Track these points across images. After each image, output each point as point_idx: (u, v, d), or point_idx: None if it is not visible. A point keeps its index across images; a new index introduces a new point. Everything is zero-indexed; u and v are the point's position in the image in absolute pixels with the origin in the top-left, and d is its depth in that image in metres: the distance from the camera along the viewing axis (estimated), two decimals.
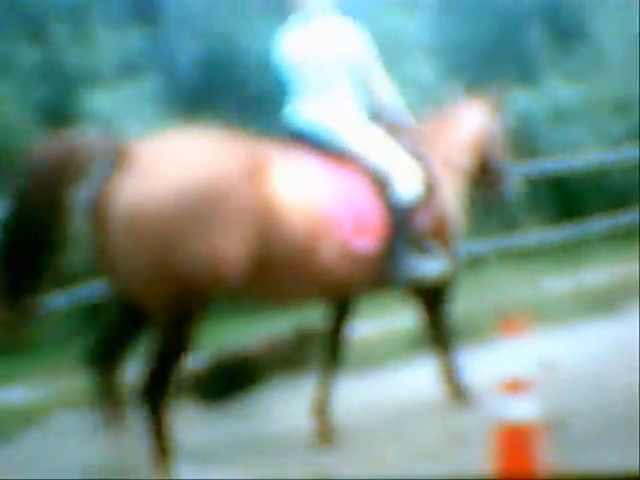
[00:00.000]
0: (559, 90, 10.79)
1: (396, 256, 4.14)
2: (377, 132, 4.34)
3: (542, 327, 5.54)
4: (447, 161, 4.73)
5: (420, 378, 5.09)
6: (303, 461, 4.06)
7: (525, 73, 10.57)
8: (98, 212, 3.43)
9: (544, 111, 10.58)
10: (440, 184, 4.48)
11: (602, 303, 6.81)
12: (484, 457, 3.23)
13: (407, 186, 4.21)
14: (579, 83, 10.76)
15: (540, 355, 4.85)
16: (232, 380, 5.42)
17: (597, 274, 7.53)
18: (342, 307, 4.61)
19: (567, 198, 9.81)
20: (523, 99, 9.72)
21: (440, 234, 4.44)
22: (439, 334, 4.84)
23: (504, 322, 3.23)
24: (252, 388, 5.41)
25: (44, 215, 3.41)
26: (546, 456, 3.15)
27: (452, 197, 4.65)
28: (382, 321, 6.26)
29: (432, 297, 4.76)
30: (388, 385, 5.36)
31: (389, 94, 4.44)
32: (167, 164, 3.48)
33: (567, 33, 11.45)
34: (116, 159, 3.45)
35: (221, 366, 5.50)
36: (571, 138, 10.19)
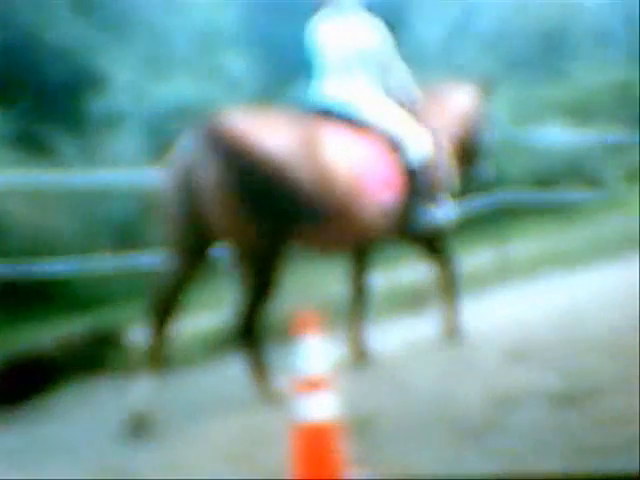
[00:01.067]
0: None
1: (413, 206, 5.15)
2: (392, 106, 5.26)
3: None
4: (444, 131, 5.58)
5: (223, 378, 5.05)
6: (99, 464, 3.96)
7: None
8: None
9: None
10: (442, 148, 5.46)
11: (412, 302, 7.07)
12: (285, 458, 3.19)
13: (418, 149, 5.18)
14: None
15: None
16: (25, 382, 5.24)
17: (410, 272, 7.77)
18: (363, 257, 5.53)
19: None
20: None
21: (444, 189, 5.44)
22: (447, 279, 5.65)
23: (298, 320, 3.22)
24: (47, 390, 5.24)
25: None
26: (349, 455, 3.15)
27: (450, 160, 5.56)
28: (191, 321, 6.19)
29: (435, 245, 5.58)
30: (191, 384, 5.32)
31: (403, 76, 5.42)
32: (253, 140, 4.42)
33: (392, 25, 11.80)
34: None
35: (13, 368, 5.30)
36: None
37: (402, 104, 5.37)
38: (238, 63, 10.11)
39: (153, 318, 4.54)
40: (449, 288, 5.66)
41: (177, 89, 10.17)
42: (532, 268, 8.19)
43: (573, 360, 4.77)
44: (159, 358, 4.55)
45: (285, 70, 10.01)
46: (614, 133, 11.56)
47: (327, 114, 5.06)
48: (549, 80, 14.24)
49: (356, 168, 4.84)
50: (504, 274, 8.15)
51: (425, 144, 5.24)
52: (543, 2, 16.10)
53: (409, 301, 7.22)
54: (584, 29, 17.62)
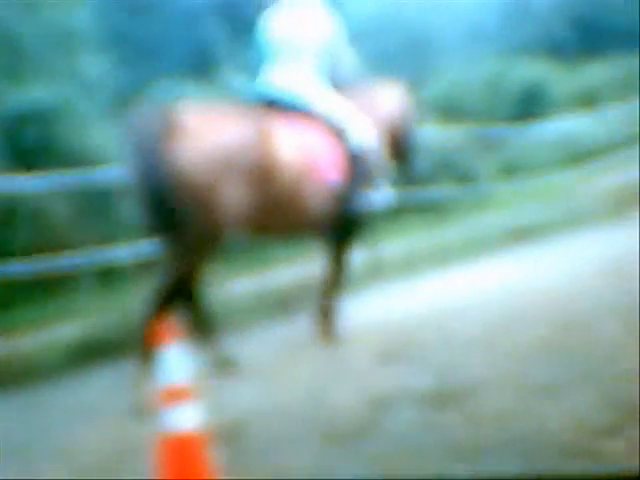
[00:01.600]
0: (236, 82, 11.04)
1: (354, 190, 5.48)
2: (336, 95, 5.58)
3: (228, 331, 5.60)
4: (377, 125, 5.83)
5: (88, 390, 4.89)
6: None
7: (204, 67, 10.71)
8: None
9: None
10: (379, 137, 5.77)
11: (284, 305, 7.04)
12: (152, 470, 3.07)
13: (360, 136, 5.52)
14: (255, 76, 11.12)
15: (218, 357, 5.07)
16: None
17: (282, 275, 7.75)
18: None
19: None
20: (197, 91, 9.86)
21: (382, 175, 5.77)
22: (337, 272, 5.78)
23: (158, 330, 3.11)
24: None
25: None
26: (218, 465, 3.05)
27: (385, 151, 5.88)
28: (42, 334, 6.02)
29: (347, 232, 5.73)
30: (55, 397, 5.14)
31: (350, 67, 5.78)
32: (205, 132, 4.76)
33: (245, 27, 11.75)
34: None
35: None
36: None
37: (349, 94, 5.72)
38: (95, 65, 9.89)
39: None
40: (335, 284, 5.79)
41: (31, 93, 9.88)
42: (406, 267, 8.26)
43: (448, 359, 4.79)
44: None
45: (143, 70, 9.87)
46: (486, 128, 11.80)
47: (275, 104, 5.38)
48: (418, 77, 14.42)
49: (304, 154, 5.19)
50: (377, 274, 8.17)
51: (366, 132, 5.59)
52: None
53: (279, 304, 7.14)
54: (452, 24, 17.96)
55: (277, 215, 5.17)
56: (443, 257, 8.59)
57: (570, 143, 14.08)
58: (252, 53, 5.70)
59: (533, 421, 3.55)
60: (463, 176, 11.94)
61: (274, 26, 5.55)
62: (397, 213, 9.86)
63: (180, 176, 4.66)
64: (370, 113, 5.81)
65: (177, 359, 3.03)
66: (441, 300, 6.62)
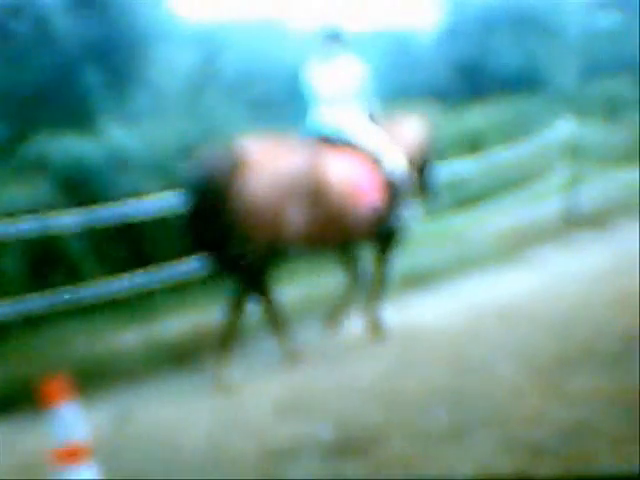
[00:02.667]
0: (118, 135, 10.91)
1: (390, 208, 6.78)
2: (373, 130, 6.88)
3: (113, 387, 5.48)
4: (404, 150, 7.14)
5: None
6: None
7: (80, 118, 10.55)
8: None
9: (103, 157, 10.63)
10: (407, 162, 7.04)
11: (178, 355, 6.97)
12: None
13: (394, 164, 6.83)
14: (138, 127, 11.01)
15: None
16: None
17: (172, 324, 7.65)
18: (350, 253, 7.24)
19: (134, 246, 9.90)
20: (79, 145, 9.71)
21: (411, 194, 7.04)
22: (381, 275, 7.17)
23: (48, 389, 3.02)
24: None
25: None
26: None
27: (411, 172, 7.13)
28: None
29: (387, 244, 7.06)
30: None
31: (375, 105, 7.06)
32: (266, 164, 6.03)
33: (123, 76, 11.69)
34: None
35: None
36: (134, 184, 10.32)
37: (379, 126, 7.00)
38: None
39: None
40: (379, 288, 7.19)
41: None
42: (302, 314, 8.23)
43: (347, 408, 4.79)
44: None
45: (21, 122, 9.71)
46: None
47: (324, 139, 6.68)
48: (297, 122, 14.54)
49: (348, 180, 6.47)
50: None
51: (398, 161, 6.90)
52: (286, 45, 16.47)
53: (171, 355, 7.06)
54: None
55: (327, 231, 6.40)
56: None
57: (457, 187, 14.35)
58: (301, 97, 7.06)
59: (437, 467, 3.59)
60: None
61: (318, 75, 6.94)
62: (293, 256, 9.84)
63: (246, 203, 5.89)
64: (397, 142, 7.08)
65: (72, 418, 2.96)
66: (335, 345, 6.63)
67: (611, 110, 17.69)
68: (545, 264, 8.55)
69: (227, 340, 6.20)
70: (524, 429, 4.12)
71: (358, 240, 6.96)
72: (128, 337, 7.53)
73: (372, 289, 7.15)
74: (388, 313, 7.40)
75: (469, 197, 13.99)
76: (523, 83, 20.16)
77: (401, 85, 19.98)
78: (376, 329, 6.97)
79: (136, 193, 9.74)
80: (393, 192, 6.80)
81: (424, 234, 12.31)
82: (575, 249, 9.06)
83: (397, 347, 6.25)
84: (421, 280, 8.80)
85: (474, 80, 22.21)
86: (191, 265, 9.43)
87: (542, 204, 11.50)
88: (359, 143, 6.73)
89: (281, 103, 14.38)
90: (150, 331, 7.54)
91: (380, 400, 4.87)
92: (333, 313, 7.30)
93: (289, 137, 6.64)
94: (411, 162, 7.19)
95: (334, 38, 7.01)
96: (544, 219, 10.62)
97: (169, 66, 11.86)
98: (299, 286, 8.28)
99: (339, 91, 6.78)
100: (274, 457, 4.13)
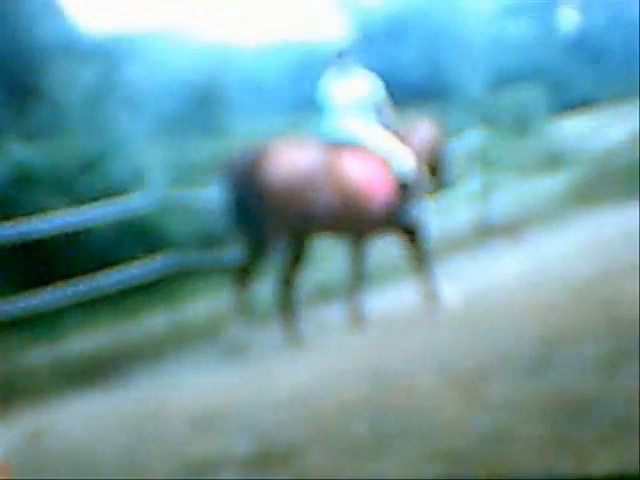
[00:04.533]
0: (19, 151, 10.78)
1: (401, 205, 7.77)
2: (385, 134, 7.89)
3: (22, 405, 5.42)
4: (418, 153, 8.13)
5: None
6: None
7: None
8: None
9: (4, 174, 10.48)
10: (419, 163, 8.06)
11: (86, 373, 6.93)
12: None
13: (404, 164, 7.84)
14: (39, 142, 10.91)
15: None
16: None
17: (79, 343, 7.59)
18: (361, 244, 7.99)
19: (38, 263, 9.79)
20: None
21: (422, 191, 8.08)
22: (420, 257, 8.00)
23: None
24: None
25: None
26: None
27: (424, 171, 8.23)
28: None
29: (413, 234, 7.95)
30: None
31: (390, 113, 8.10)
32: (293, 162, 7.20)
33: (23, 91, 11.56)
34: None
35: None
36: (37, 200, 10.20)
37: (392, 132, 7.97)
38: None
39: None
40: (421, 261, 8.02)
41: None
42: (214, 329, 8.27)
43: (267, 420, 4.82)
44: None
45: None
46: None
47: (341, 143, 7.67)
48: (206, 137, 14.57)
49: (364, 179, 7.53)
50: (180, 339, 8.15)
51: (407, 160, 7.89)
52: (193, 56, 16.46)
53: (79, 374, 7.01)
54: (238, 81, 18.19)
55: (344, 221, 7.47)
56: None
57: None
58: (318, 106, 8.01)
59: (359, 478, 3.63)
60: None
61: (335, 87, 7.93)
62: (197, 275, 9.92)
63: (275, 195, 7.08)
64: (411, 144, 8.09)
65: None
66: (250, 362, 6.67)
67: (520, 119, 18.15)
68: (458, 273, 8.72)
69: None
70: (445, 438, 4.20)
71: (371, 232, 7.92)
72: (35, 355, 7.46)
73: (422, 271, 8.02)
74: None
75: None
76: (431, 93, 20.51)
77: (308, 97, 20.09)
78: (433, 302, 7.85)
79: (40, 209, 9.65)
80: (403, 190, 7.80)
81: (332, 249, 12.43)
82: (488, 258, 9.27)
83: (314, 360, 6.31)
84: (331, 295, 8.88)
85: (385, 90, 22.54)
86: (97, 282, 9.38)
87: (453, 214, 11.74)
88: (371, 146, 7.80)
89: (187, 115, 14.35)
90: (57, 349, 7.47)
91: (299, 411, 4.92)
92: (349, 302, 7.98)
93: (310, 140, 7.70)
94: (424, 162, 8.29)
95: (347, 55, 8.21)
96: (455, 229, 10.85)
97: (70, 80, 11.78)
98: None
99: (352, 101, 7.86)
100: (191, 472, 4.14)
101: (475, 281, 8.44)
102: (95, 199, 10.21)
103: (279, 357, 6.80)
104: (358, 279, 7.98)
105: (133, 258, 10.06)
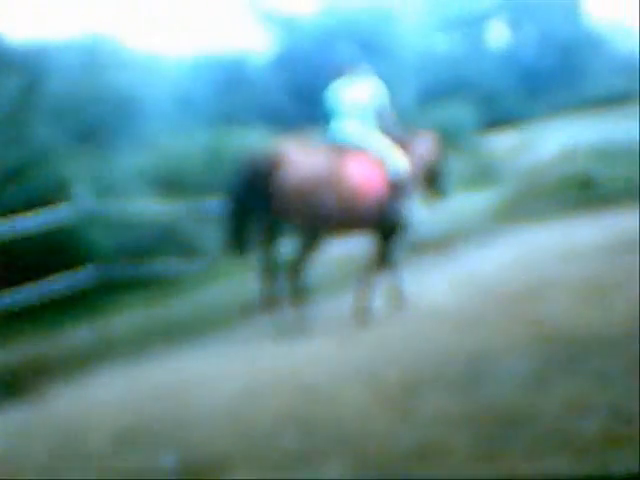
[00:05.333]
0: None
1: (393, 202, 8.30)
2: (382, 138, 8.47)
3: None
4: (414, 161, 8.79)
5: None
6: None
7: None
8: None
9: None
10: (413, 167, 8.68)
11: (6, 386, 6.86)
12: None
13: (397, 166, 8.37)
14: None
15: None
16: None
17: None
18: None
19: None
20: None
21: (412, 193, 8.70)
22: (386, 258, 8.51)
23: None
24: None
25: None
26: None
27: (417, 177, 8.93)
28: None
29: (389, 234, 8.48)
30: None
31: (392, 120, 8.70)
32: (299, 162, 7.88)
33: None
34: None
35: None
36: None
37: (391, 137, 8.56)
38: None
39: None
40: (379, 267, 8.47)
41: None
42: (134, 344, 8.22)
43: (191, 434, 4.82)
44: None
45: None
46: (208, 201, 12.05)
47: (343, 145, 8.28)
48: (131, 149, 14.52)
49: (363, 181, 8.10)
50: (103, 352, 8.08)
51: (400, 162, 8.45)
52: (118, 67, 16.41)
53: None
54: (165, 95, 18.15)
55: (345, 218, 8.04)
56: (173, 332, 8.65)
57: None
58: (324, 111, 8.55)
59: None
60: (188, 250, 12.09)
61: (341, 93, 8.50)
62: (122, 288, 9.89)
63: (286, 191, 7.76)
64: (410, 151, 8.69)
65: None
66: (177, 375, 6.65)
67: (449, 134, 18.37)
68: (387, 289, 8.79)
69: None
70: (374, 451, 4.24)
71: (364, 230, 8.51)
72: None
73: (371, 268, 8.50)
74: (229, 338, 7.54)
75: None
76: None
77: (235, 110, 20.12)
78: (397, 301, 8.36)
79: None
80: (394, 188, 8.36)
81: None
82: (417, 274, 9.35)
83: (244, 373, 6.30)
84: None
85: (311, 105, 22.58)
86: (20, 294, 9.28)
87: None
88: (370, 149, 8.40)
89: (112, 127, 14.27)
90: None
91: (225, 426, 4.93)
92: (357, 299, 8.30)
93: (317, 145, 8.38)
94: (422, 172, 9.03)
95: (353, 64, 8.94)
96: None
97: None
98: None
99: (356, 106, 8.48)
100: None
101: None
102: (18, 211, 10.14)
103: (204, 369, 6.79)
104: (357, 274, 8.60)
105: (57, 270, 9.99)
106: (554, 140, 18.39)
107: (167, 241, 12.23)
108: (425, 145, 9.20)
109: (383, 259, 8.56)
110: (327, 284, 9.55)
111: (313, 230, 7.98)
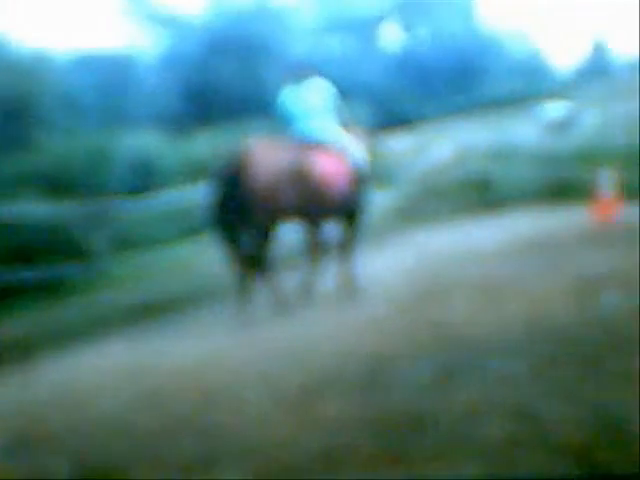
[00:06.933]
0: None
1: (357, 191, 8.99)
2: (342, 132, 9.04)
3: None
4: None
5: None
6: None
7: None
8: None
9: None
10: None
11: None
12: None
13: (356, 156, 9.03)
14: None
15: None
16: None
17: None
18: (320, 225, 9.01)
19: None
20: None
21: (370, 181, 9.56)
22: (352, 241, 9.15)
23: None
24: None
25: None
26: None
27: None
28: None
29: (352, 220, 9.17)
30: None
31: (345, 115, 9.30)
32: (266, 160, 8.38)
33: None
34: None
35: None
36: None
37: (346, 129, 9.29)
38: None
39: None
40: (351, 245, 9.16)
41: None
42: (22, 350, 8.08)
43: (86, 442, 4.74)
44: None
45: None
46: (97, 203, 11.92)
47: (308, 142, 8.80)
48: (15, 150, 14.29)
49: (327, 174, 8.65)
50: None
51: (360, 154, 9.19)
52: (3, 69, 16.16)
53: None
54: (49, 95, 17.91)
55: (311, 209, 8.61)
56: (63, 336, 8.53)
57: (186, 215, 14.52)
58: (280, 111, 9.03)
59: None
60: (76, 253, 11.94)
61: (298, 94, 9.02)
62: (9, 292, 9.72)
63: (254, 187, 8.23)
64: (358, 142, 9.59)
65: None
66: (69, 378, 6.56)
67: None
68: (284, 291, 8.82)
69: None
70: (274, 456, 4.23)
71: (328, 217, 9.06)
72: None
73: (343, 254, 9.16)
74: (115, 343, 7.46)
75: (198, 227, 14.17)
76: (252, 109, 20.67)
77: (122, 109, 19.96)
78: (349, 285, 8.90)
79: None
80: (356, 178, 9.10)
81: (153, 266, 12.38)
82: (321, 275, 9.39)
83: (140, 380, 6.22)
84: (156, 313, 8.86)
85: (201, 106, 22.47)
86: None
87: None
88: (331, 142, 9.02)
89: None
90: None
91: (121, 432, 4.86)
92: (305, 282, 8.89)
93: (283, 142, 8.81)
94: None
95: (305, 66, 9.57)
96: (281, 246, 10.96)
97: None
98: None
99: (312, 106, 9.08)
100: None
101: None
102: None
103: (98, 372, 6.70)
104: (315, 261, 8.95)
105: None
106: (450, 142, 18.72)
107: (55, 243, 12.06)
108: (362, 139, 9.84)
109: (346, 244, 9.22)
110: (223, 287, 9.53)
111: (275, 220, 8.65)
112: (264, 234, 8.71)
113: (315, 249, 9.10)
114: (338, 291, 8.91)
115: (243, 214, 8.60)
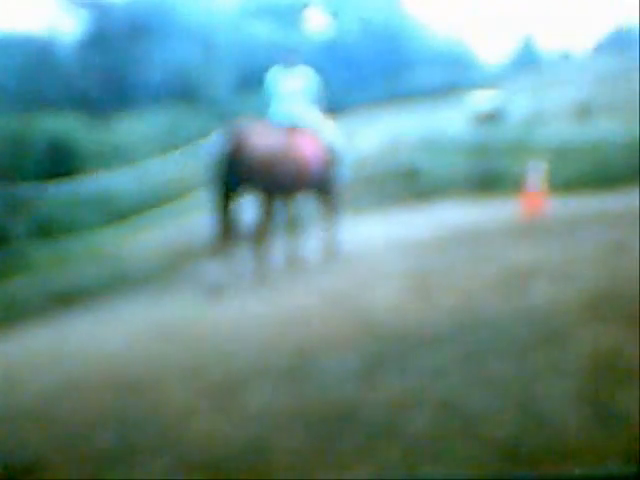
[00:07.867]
0: None
1: (329, 168, 10.00)
2: (318, 115, 10.01)
3: None
4: None
5: None
6: None
7: None
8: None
9: None
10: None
11: None
12: None
13: (330, 137, 10.03)
14: None
15: None
16: None
17: None
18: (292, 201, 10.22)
19: None
20: None
21: (343, 162, 10.46)
22: (331, 212, 10.13)
23: None
24: None
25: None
26: None
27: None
28: None
29: (328, 193, 10.20)
30: None
31: (322, 100, 10.29)
32: (259, 140, 9.22)
33: None
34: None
35: None
36: None
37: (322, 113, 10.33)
38: None
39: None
40: (331, 216, 10.16)
41: None
42: None
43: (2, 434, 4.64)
44: None
45: None
46: (13, 188, 11.76)
47: (288, 124, 9.74)
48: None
49: (309, 153, 9.71)
50: None
51: (334, 134, 10.17)
52: None
53: None
54: None
55: (296, 184, 9.63)
56: None
57: (107, 201, 14.38)
58: (264, 96, 9.96)
59: None
60: None
61: (280, 80, 9.88)
62: None
63: (251, 161, 9.03)
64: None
65: None
66: None
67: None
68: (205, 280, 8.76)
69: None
70: (197, 450, 4.19)
71: (307, 191, 10.04)
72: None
73: (325, 224, 10.20)
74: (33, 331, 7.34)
75: (120, 212, 14.05)
76: (177, 93, 20.55)
77: (41, 93, 19.67)
78: (331, 252, 9.92)
79: None
80: (330, 156, 10.11)
81: (73, 252, 12.22)
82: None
83: (55, 369, 6.12)
84: (76, 301, 8.74)
85: (123, 89, 22.25)
86: None
87: (198, 218, 11.77)
88: (309, 125, 9.99)
89: None
90: None
91: (37, 427, 4.76)
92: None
93: (271, 123, 9.65)
94: None
95: (290, 53, 10.46)
96: (202, 234, 10.89)
97: None
98: None
99: (296, 90, 10.00)
100: None
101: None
102: None
103: (10, 363, 6.58)
104: (291, 229, 10.15)
105: None
106: (377, 131, 18.78)
107: None
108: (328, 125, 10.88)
109: (325, 214, 10.29)
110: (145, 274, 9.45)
111: (272, 195, 9.50)
112: (264, 203, 9.43)
113: (289, 223, 10.11)
114: (289, 266, 9.56)
115: (244, 182, 9.28)
